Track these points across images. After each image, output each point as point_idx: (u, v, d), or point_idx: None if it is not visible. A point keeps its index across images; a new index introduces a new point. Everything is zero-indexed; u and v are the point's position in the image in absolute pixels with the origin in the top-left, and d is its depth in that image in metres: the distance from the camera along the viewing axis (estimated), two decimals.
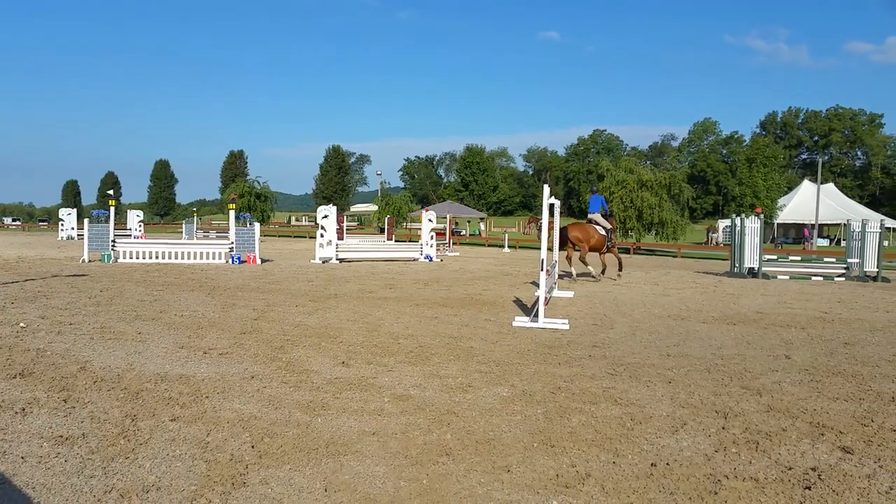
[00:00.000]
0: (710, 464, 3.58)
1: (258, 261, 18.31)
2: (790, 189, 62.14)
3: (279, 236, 50.37)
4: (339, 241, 21.03)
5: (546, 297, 8.51)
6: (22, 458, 3.39)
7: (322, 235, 19.78)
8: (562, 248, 14.21)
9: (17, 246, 26.63)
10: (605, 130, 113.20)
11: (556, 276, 11.74)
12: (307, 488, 3.15)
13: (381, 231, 41.72)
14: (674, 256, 31.15)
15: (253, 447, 3.66)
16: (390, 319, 8.44)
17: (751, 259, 17.30)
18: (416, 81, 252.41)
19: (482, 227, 57.56)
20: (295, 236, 50.52)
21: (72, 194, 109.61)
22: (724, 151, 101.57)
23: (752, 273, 17.24)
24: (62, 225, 38.34)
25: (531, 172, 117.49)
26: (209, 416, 4.21)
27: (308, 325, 7.86)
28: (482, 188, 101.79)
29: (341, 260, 20.08)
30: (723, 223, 52.19)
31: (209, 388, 4.88)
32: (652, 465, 3.55)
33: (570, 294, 11.65)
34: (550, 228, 9.73)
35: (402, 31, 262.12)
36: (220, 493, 3.05)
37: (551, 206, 9.00)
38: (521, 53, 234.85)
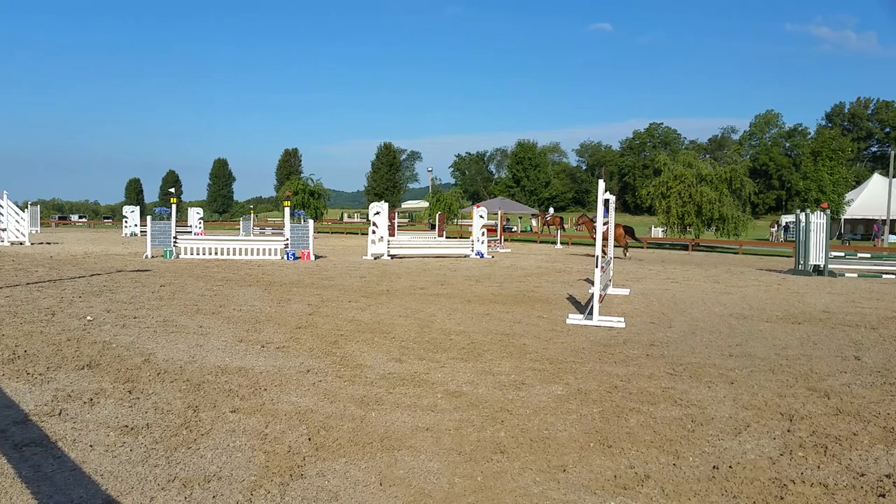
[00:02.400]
0: (776, 468, 3.45)
1: (312, 257, 18.62)
2: (859, 183, 59.51)
3: (332, 233, 51.12)
4: (391, 238, 21.20)
5: (601, 295, 8.37)
6: (90, 446, 3.52)
7: (374, 232, 19.98)
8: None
9: (84, 242, 27.82)
10: (662, 123, 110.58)
11: (612, 273, 11.54)
12: (363, 482, 3.18)
13: (432, 227, 41.91)
14: (735, 253, 30.23)
15: (310, 440, 3.72)
16: (442, 316, 8.46)
17: (816, 256, 16.64)
18: (466, 77, 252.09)
19: (534, 223, 57.07)
20: (347, 233, 51.19)
21: (135, 192, 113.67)
22: (788, 144, 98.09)
23: (818, 270, 16.59)
24: (126, 222, 39.69)
25: (584, 167, 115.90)
26: (267, 408, 4.29)
27: (361, 320, 7.94)
28: (534, 184, 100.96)
29: (393, 256, 20.24)
30: (786, 218, 50.53)
31: (267, 380, 4.98)
32: (714, 467, 3.44)
33: (626, 291, 11.43)
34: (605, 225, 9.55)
35: (450, 26, 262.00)
36: (279, 485, 3.10)
37: (606, 202, 8.84)
38: (572, 46, 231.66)
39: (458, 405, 4.47)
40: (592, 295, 8.53)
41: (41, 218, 42.13)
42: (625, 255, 23.71)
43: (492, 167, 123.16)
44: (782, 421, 4.26)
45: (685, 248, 32.98)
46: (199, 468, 3.28)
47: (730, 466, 3.45)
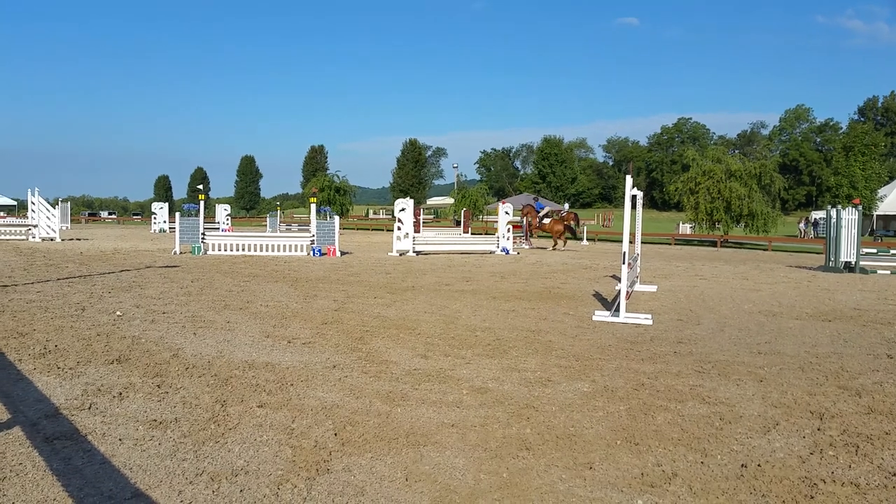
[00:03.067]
0: (805, 466, 3.38)
1: (338, 253, 18.74)
2: (892, 178, 58.14)
3: (357, 229, 51.42)
4: (416, 234, 21.23)
5: (628, 291, 8.28)
6: (120, 440, 3.58)
7: (399, 228, 20.03)
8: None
9: (113, 238, 28.34)
10: (691, 119, 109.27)
11: (639, 269, 11.42)
12: (388, 477, 3.18)
13: (458, 224, 41.90)
14: (764, 249, 29.74)
15: (336, 435, 3.73)
16: (467, 312, 8.45)
17: (847, 252, 16.30)
18: (491, 73, 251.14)
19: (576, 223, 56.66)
20: (373, 229, 51.46)
21: (163, 189, 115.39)
22: (819, 139, 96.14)
23: (849, 267, 16.25)
24: (154, 218, 40.25)
25: (611, 163, 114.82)
26: (294, 403, 4.33)
27: (386, 316, 7.96)
28: (560, 180, 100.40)
29: (418, 252, 20.27)
30: (816, 214, 49.55)
31: (293, 376, 5.02)
32: (742, 466, 3.39)
33: (653, 288, 11.31)
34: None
35: (476, 21, 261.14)
36: (306, 479, 3.12)
37: (633, 198, 8.75)
38: (598, 41, 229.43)
39: (483, 401, 4.46)
40: (619, 291, 8.45)
41: (71, 214, 42.89)
42: (554, 247, 25.12)
43: (517, 163, 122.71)
44: (812, 419, 4.18)
45: (714, 244, 32.55)
46: (226, 462, 3.31)
47: (758, 465, 3.40)
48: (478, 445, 3.63)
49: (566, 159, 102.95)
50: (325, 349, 6.01)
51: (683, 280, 13.40)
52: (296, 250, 18.86)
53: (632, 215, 8.64)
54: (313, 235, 18.91)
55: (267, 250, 18.77)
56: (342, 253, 19.31)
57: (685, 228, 44.21)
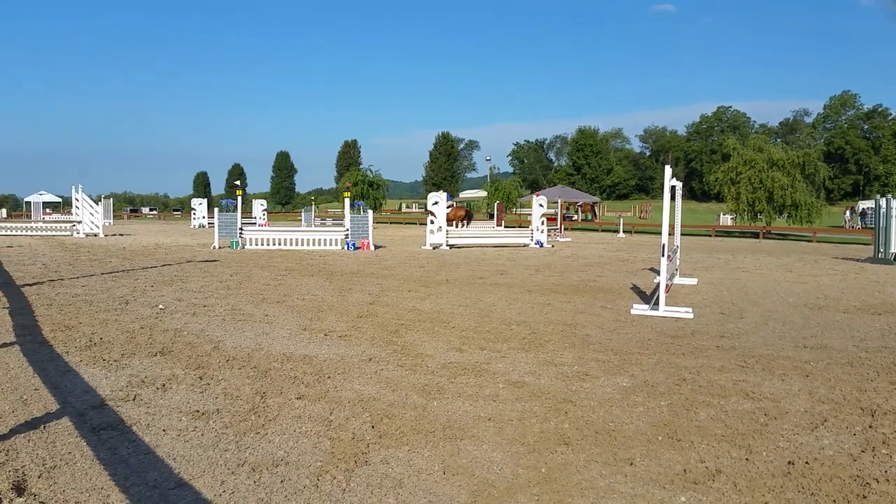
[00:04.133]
0: (857, 465, 3.27)
1: (372, 247, 18.84)
2: None
3: (391, 223, 51.64)
4: (449, 228, 21.23)
5: (667, 284, 8.14)
6: (163, 430, 3.65)
7: (432, 222, 20.05)
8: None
9: (154, 234, 28.99)
10: (731, 107, 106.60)
11: (678, 262, 11.22)
12: (426, 470, 3.18)
13: (491, 217, 41.75)
14: (808, 241, 28.94)
15: (373, 427, 3.74)
16: (502, 305, 8.40)
17: None
18: (523, 63, 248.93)
19: (595, 211, 56.12)
20: (406, 223, 51.61)
21: (202, 185, 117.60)
22: (866, 127, 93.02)
23: None
24: (194, 214, 41.05)
25: (648, 154, 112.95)
26: (331, 395, 4.35)
27: (421, 309, 7.97)
28: (595, 171, 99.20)
29: (451, 246, 20.27)
30: (863, 204, 48.05)
31: (330, 368, 5.06)
32: (789, 463, 3.30)
33: (693, 281, 11.10)
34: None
35: (508, 11, 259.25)
36: (344, 471, 3.14)
37: (673, 189, 8.58)
38: (633, 29, 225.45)
39: (520, 395, 4.43)
40: (658, 284, 8.31)
41: (114, 211, 44.09)
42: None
43: (551, 155, 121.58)
44: (863, 416, 4.04)
45: (755, 235, 31.81)
46: (267, 453, 3.35)
47: (806, 462, 3.30)
48: (515, 440, 3.60)
49: (601, 150, 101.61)
50: (361, 342, 6.04)
51: (725, 272, 13.13)
52: (330, 244, 19.03)
53: (671, 206, 8.48)
54: (347, 230, 19.05)
55: (302, 245, 18.97)
56: (376, 247, 19.41)
57: (726, 220, 43.28)
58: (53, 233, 26.54)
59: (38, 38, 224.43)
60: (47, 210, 55.31)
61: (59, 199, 62.49)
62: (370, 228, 19.09)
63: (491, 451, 3.42)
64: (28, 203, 56.17)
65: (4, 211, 62.51)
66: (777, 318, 7.71)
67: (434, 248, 19.60)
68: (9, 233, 25.86)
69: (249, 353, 5.53)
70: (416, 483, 3.03)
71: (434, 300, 8.77)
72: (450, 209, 30.12)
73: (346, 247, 18.69)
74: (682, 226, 12.39)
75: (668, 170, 8.27)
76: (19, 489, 2.86)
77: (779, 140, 71.88)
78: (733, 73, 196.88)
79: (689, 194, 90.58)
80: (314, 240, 19.25)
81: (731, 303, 8.87)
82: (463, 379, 4.82)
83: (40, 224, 29.55)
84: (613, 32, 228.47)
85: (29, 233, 26.45)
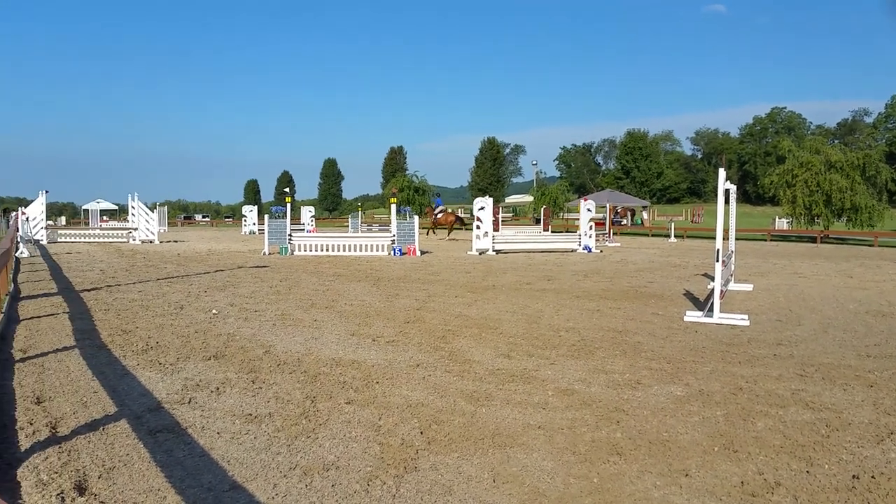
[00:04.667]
0: None
1: (418, 252, 18.92)
2: None
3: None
4: (495, 233, 21.16)
5: (721, 290, 7.92)
6: (217, 433, 3.71)
7: (478, 227, 20.01)
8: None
9: (207, 240, 29.75)
10: (785, 108, 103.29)
11: (733, 267, 10.92)
12: (476, 477, 3.15)
13: (537, 222, 41.49)
14: (869, 245, 27.80)
15: (422, 433, 3.74)
16: (550, 311, 8.31)
17: None
18: (570, 66, 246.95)
19: (645, 215, 55.16)
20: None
21: (252, 192, 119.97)
22: None
23: None
24: (245, 220, 41.88)
25: (700, 156, 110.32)
26: (380, 400, 4.37)
27: (468, 315, 7.94)
28: (645, 175, 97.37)
29: (498, 251, 20.19)
30: None
31: (379, 373, 5.08)
32: (854, 477, 3.15)
33: (748, 287, 10.78)
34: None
35: (554, 11, 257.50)
36: (394, 476, 3.13)
37: (727, 192, 8.35)
38: (684, 29, 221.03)
39: (570, 403, 4.36)
40: (712, 291, 8.09)
41: (168, 218, 45.37)
42: (448, 236, 30.32)
43: (599, 158, 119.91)
44: None
45: (813, 240, 30.71)
46: (318, 457, 3.37)
47: (872, 476, 3.15)
48: (566, 448, 3.54)
49: (651, 153, 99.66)
50: (409, 348, 6.05)
51: (781, 278, 12.71)
52: (377, 250, 19.18)
53: (725, 210, 8.25)
54: (394, 235, 19.17)
55: (349, 250, 19.18)
56: (422, 252, 19.48)
57: (781, 224, 41.95)
58: (110, 239, 27.48)
59: (93, 48, 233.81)
60: (104, 217, 57.28)
61: (116, 207, 64.67)
62: (416, 234, 19.18)
63: (541, 460, 3.37)
64: (86, 211, 58.23)
65: (63, 218, 65.06)
66: (837, 325, 7.42)
67: (480, 254, 19.55)
68: (68, 240, 26.90)
69: (299, 357, 5.60)
70: (465, 490, 3.01)
71: (481, 306, 8.74)
72: (441, 214, 33.01)
73: (392, 252, 18.81)
74: (736, 230, 12.06)
75: (721, 173, 8.05)
76: (81, 489, 2.95)
77: (837, 141, 69.30)
78: (787, 73, 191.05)
79: (743, 197, 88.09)
80: (361, 245, 19.44)
81: (789, 309, 8.58)
82: (511, 386, 4.78)
83: (98, 231, 30.68)
84: (665, 33, 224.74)
85: (87, 240, 27.46)
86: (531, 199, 57.90)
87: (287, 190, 25.72)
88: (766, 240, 31.92)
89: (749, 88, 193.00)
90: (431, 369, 5.24)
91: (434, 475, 3.17)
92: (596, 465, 3.32)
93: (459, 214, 34.78)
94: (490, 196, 24.39)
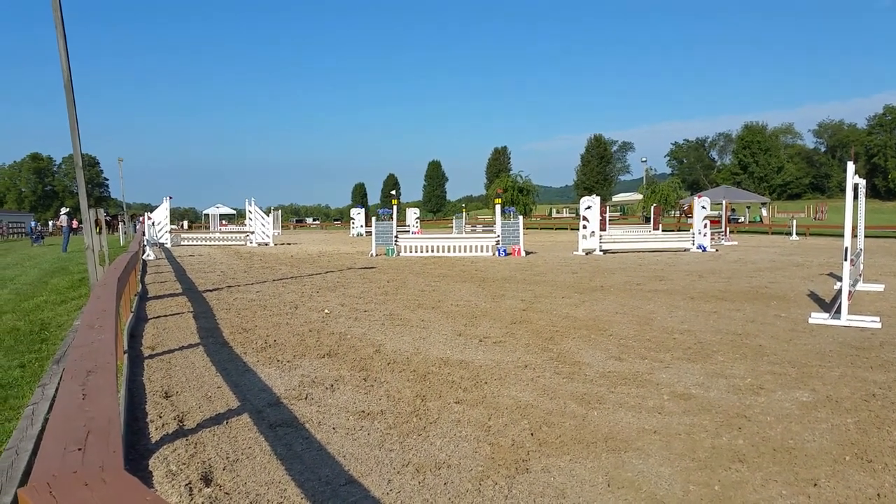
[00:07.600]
0: None
1: (522, 253, 18.82)
2: None
3: (541, 229, 51.29)
4: (602, 232, 20.69)
5: (850, 291, 7.35)
6: (333, 428, 3.86)
7: (585, 227, 19.64)
8: None
9: (318, 242, 31.00)
10: None
11: (862, 266, 10.09)
12: (589, 481, 3.09)
13: (647, 221, 40.14)
14: None
15: (532, 434, 3.72)
16: (663, 313, 8.03)
17: None
18: (682, 57, 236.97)
19: (764, 212, 51.97)
20: (556, 228, 51.01)
21: (360, 195, 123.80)
22: None
23: None
24: (353, 223, 43.41)
25: (823, 149, 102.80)
26: (489, 401, 4.38)
27: (576, 316, 7.81)
28: (763, 170, 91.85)
29: (605, 251, 19.74)
30: None
31: (487, 374, 5.10)
32: None
33: (879, 287, 9.94)
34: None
35: (660, 8, 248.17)
36: (506, 477, 3.14)
37: (856, 187, 7.74)
38: (802, 17, 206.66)
39: (687, 408, 4.19)
40: (839, 291, 7.52)
41: (282, 221, 47.63)
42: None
43: (713, 154, 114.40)
44: None
45: None
46: (429, 455, 3.43)
47: None
48: (684, 455, 3.41)
49: (770, 147, 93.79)
50: (516, 349, 6.04)
51: None
52: (481, 251, 19.26)
53: (853, 206, 7.65)
54: (498, 236, 19.18)
55: (454, 251, 19.38)
56: (527, 252, 19.36)
57: None
58: (229, 242, 29.25)
59: (221, 64, 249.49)
60: (223, 221, 60.93)
61: (234, 212, 68.63)
62: (521, 234, 19.10)
63: (658, 466, 3.27)
64: (206, 215, 62.10)
65: (186, 223, 69.75)
66: None
67: (587, 254, 19.19)
68: (191, 243, 28.89)
69: (408, 356, 5.73)
70: (579, 494, 2.96)
71: (589, 307, 8.57)
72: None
73: (497, 253, 18.83)
74: (865, 227, 11.14)
75: (850, 166, 7.47)
76: (207, 480, 3.15)
77: None
78: None
79: (872, 192, 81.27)
80: (465, 246, 19.59)
81: None
82: (623, 389, 4.66)
83: (217, 234, 32.77)
84: (782, 20, 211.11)
85: (208, 243, 29.39)
86: (640, 196, 56.10)
87: (393, 192, 26.37)
88: None
89: (878, 76, 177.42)
90: (540, 370, 5.20)
91: (546, 477, 3.15)
92: (717, 473, 3.17)
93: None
94: (596, 194, 23.86)
